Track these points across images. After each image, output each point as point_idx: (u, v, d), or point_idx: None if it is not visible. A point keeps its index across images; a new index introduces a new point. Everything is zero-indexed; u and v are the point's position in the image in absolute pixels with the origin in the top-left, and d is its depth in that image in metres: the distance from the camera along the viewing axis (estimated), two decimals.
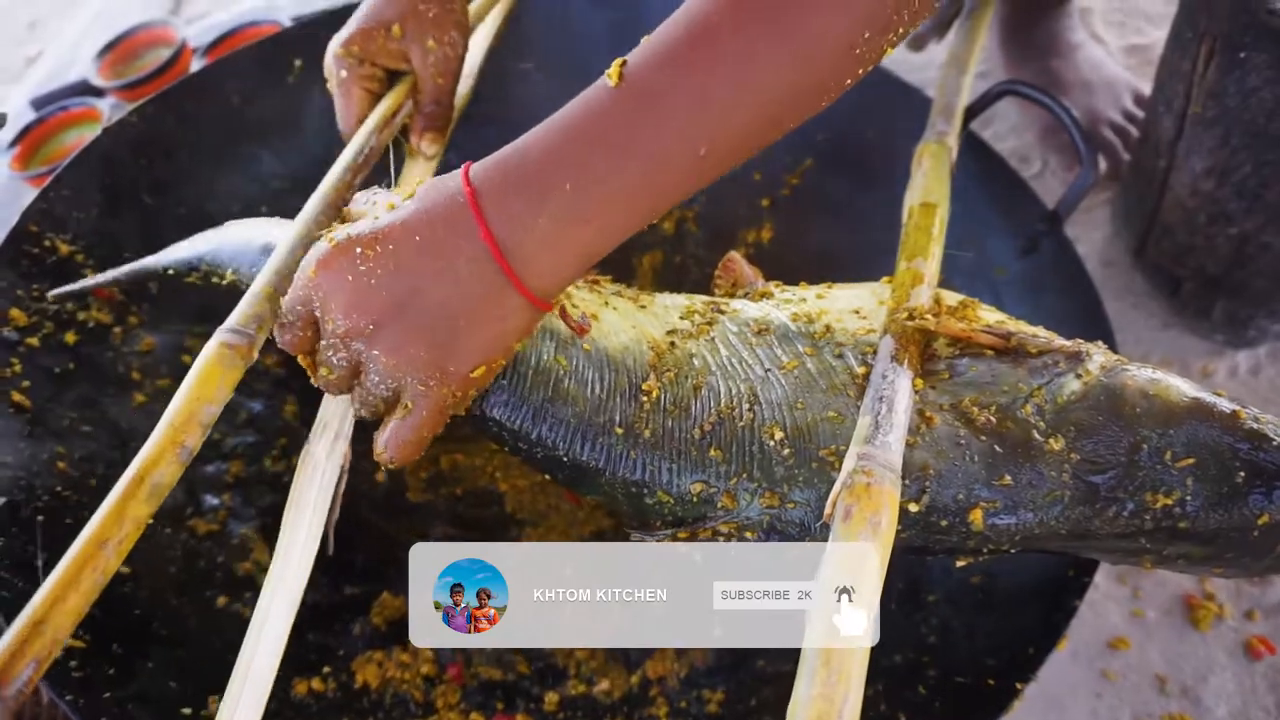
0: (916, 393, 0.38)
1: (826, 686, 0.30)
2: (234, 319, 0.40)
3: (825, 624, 0.31)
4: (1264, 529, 0.34)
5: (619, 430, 0.39)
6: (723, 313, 0.44)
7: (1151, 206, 0.69)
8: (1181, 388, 0.36)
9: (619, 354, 0.41)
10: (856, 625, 0.31)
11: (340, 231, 0.36)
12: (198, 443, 0.38)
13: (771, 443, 0.38)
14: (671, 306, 0.45)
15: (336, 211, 0.44)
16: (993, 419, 0.36)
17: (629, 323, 0.43)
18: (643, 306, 0.45)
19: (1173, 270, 0.70)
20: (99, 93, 0.87)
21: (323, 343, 0.37)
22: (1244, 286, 0.66)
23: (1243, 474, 0.34)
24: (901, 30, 0.34)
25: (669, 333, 0.43)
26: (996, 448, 0.36)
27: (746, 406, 0.39)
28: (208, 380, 0.38)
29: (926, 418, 0.37)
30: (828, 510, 0.34)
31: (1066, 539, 0.36)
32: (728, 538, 0.38)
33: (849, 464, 0.34)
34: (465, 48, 0.52)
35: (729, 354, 0.41)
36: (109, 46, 0.90)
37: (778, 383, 0.40)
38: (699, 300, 0.46)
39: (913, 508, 0.35)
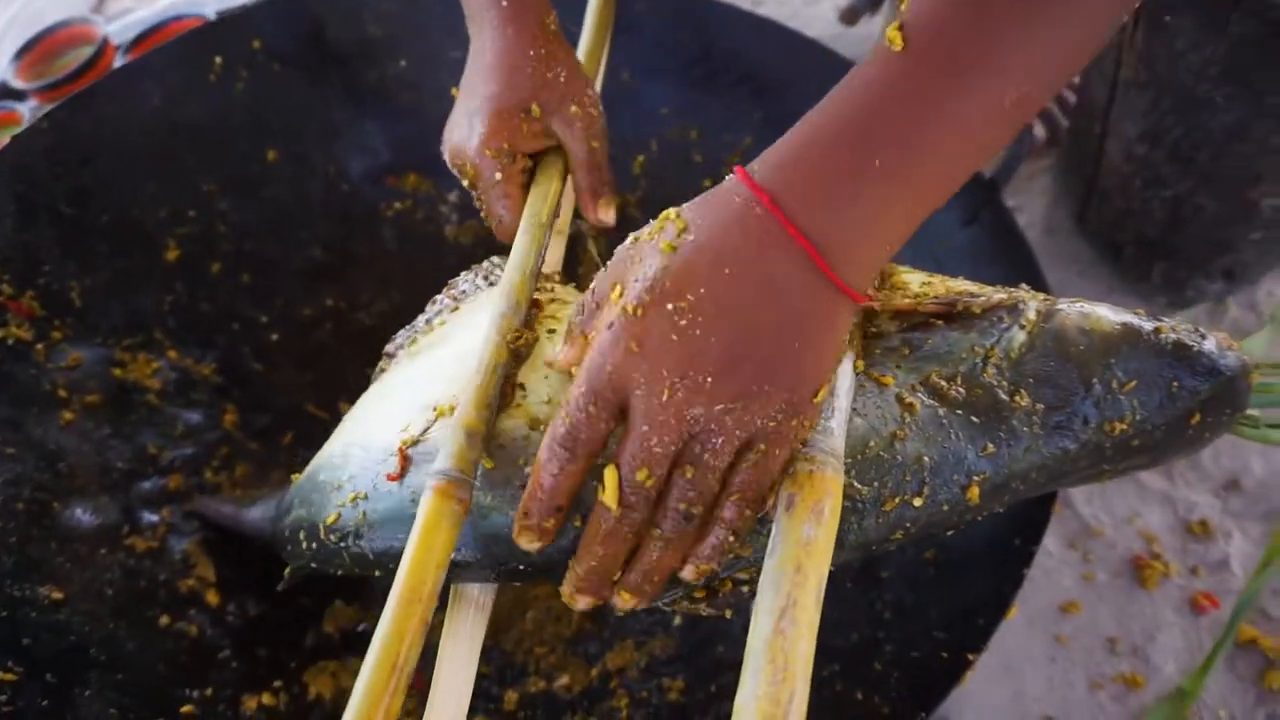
0: (858, 374, 0.37)
1: (772, 685, 0.29)
2: (445, 461, 0.34)
3: (771, 620, 0.30)
4: (1196, 426, 0.38)
5: (578, 523, 0.35)
6: None
7: (1090, 173, 0.69)
8: (1109, 316, 0.38)
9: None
10: (804, 616, 0.30)
11: (634, 292, 0.31)
12: (432, 611, 0.33)
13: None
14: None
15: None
16: (962, 390, 0.36)
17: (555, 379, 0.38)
18: (551, 332, 0.40)
19: (1113, 236, 0.71)
20: (19, 95, 0.84)
21: (643, 428, 0.31)
22: (1180, 248, 0.67)
23: (1175, 384, 0.37)
24: None
25: None
26: (974, 419, 0.36)
27: None
28: (433, 539, 0.33)
29: (907, 404, 0.36)
30: (769, 501, 0.33)
31: (1045, 484, 0.38)
32: (750, 584, 0.35)
33: None
34: (599, 98, 0.47)
35: None
36: (27, 46, 0.87)
37: None
38: None
39: (917, 502, 0.35)
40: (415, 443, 0.37)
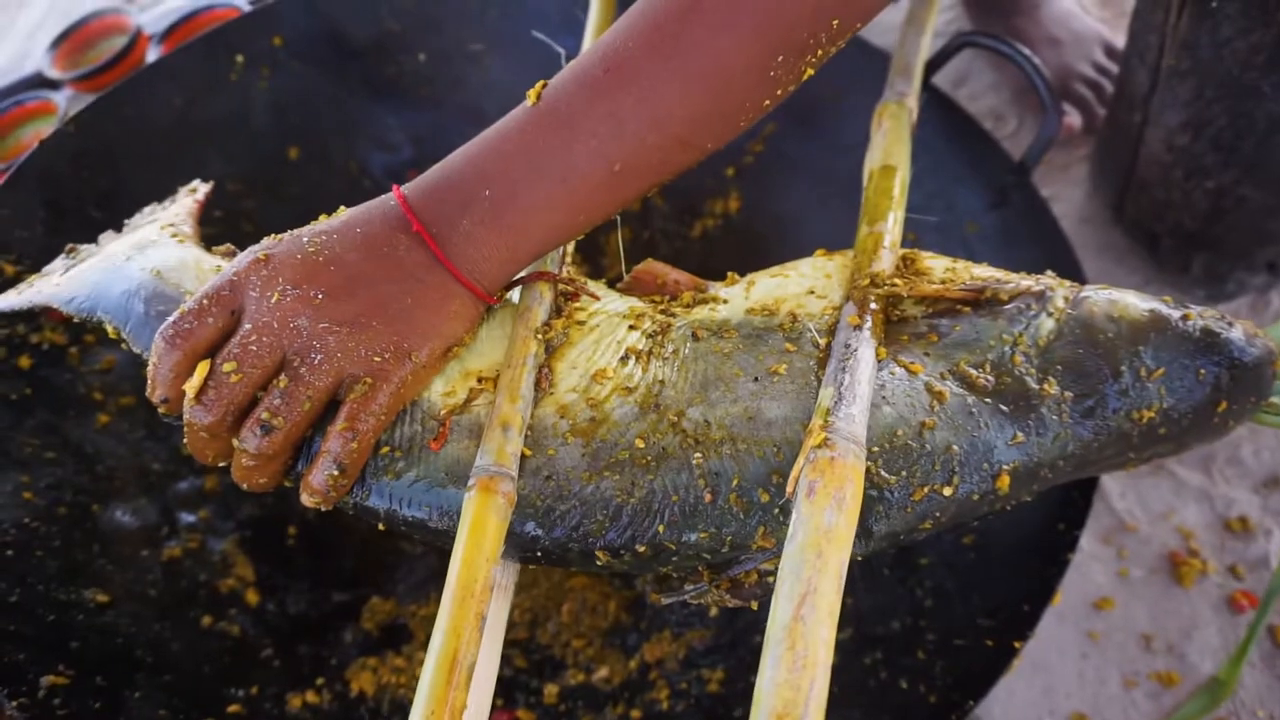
0: (882, 361, 0.37)
1: (792, 672, 0.29)
2: (486, 458, 0.34)
3: (790, 606, 0.30)
4: (1222, 414, 0.38)
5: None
6: (672, 315, 0.40)
7: (1128, 163, 0.68)
8: (1136, 302, 0.39)
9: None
10: (824, 603, 0.30)
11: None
12: (487, 605, 0.33)
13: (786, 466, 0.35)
14: (615, 313, 0.40)
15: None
16: (991, 378, 0.36)
17: (585, 355, 0.38)
18: (580, 323, 0.40)
19: (1151, 226, 0.69)
20: (55, 85, 0.86)
21: (245, 326, 0.33)
22: (1222, 240, 0.65)
23: (1202, 370, 0.37)
24: (820, 52, 0.36)
25: (622, 358, 0.38)
26: (1003, 407, 0.36)
27: (748, 434, 0.35)
28: (481, 534, 0.33)
29: (937, 393, 0.36)
30: (790, 487, 0.33)
31: (1073, 472, 0.38)
32: (775, 575, 0.33)
33: (812, 438, 0.34)
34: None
35: (705, 369, 0.38)
36: (62, 37, 0.88)
37: (776, 393, 0.36)
38: (637, 301, 0.42)
39: (946, 492, 0.35)
40: (459, 410, 0.37)
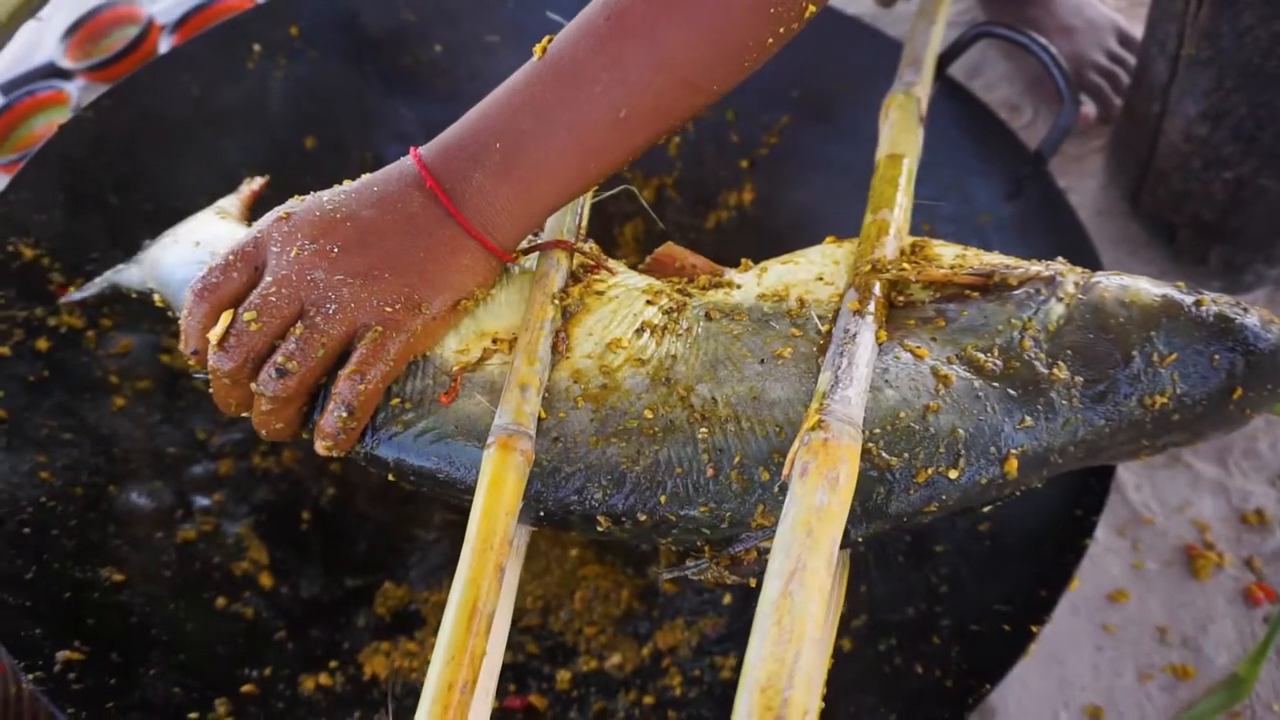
0: (883, 344, 0.37)
1: (778, 645, 0.29)
2: (504, 417, 0.35)
3: (779, 582, 0.30)
4: (1238, 401, 0.38)
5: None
6: (689, 295, 0.41)
7: (1145, 153, 0.67)
8: (1149, 288, 0.38)
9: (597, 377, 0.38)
10: (813, 580, 0.30)
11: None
12: (506, 558, 0.34)
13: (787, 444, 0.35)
14: (634, 288, 0.41)
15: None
16: (999, 362, 0.36)
17: (602, 324, 0.39)
18: (599, 293, 0.40)
19: (1168, 218, 0.69)
20: (67, 75, 0.86)
21: (266, 279, 0.35)
22: (1240, 232, 0.65)
23: (1216, 356, 0.37)
24: None
25: (637, 330, 0.39)
26: (1011, 391, 0.36)
27: (752, 413, 0.36)
28: (500, 489, 0.34)
29: (943, 376, 0.36)
30: (785, 469, 0.34)
31: (1084, 459, 0.37)
32: None
33: (808, 420, 0.34)
34: None
35: (715, 348, 0.38)
36: (74, 27, 0.88)
37: (780, 375, 0.37)
38: (655, 280, 0.42)
39: (952, 474, 0.35)
40: (471, 368, 0.38)
